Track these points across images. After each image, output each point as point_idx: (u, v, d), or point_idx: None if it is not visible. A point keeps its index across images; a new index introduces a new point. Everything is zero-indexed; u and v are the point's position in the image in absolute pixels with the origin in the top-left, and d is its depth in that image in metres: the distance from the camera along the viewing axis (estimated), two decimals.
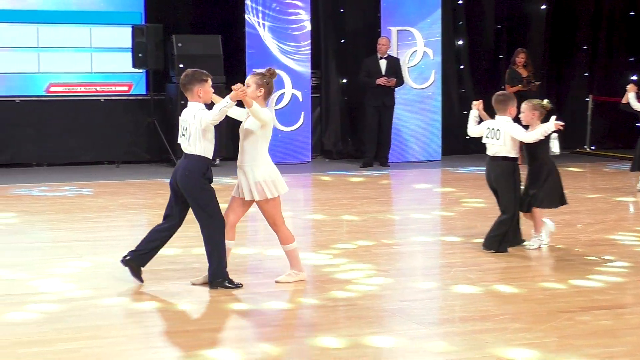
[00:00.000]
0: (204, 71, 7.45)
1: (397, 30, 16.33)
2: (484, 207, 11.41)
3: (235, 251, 8.65)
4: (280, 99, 15.94)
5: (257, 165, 7.40)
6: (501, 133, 8.80)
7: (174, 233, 7.56)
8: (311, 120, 16.35)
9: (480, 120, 9.22)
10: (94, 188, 12.93)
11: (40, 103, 15.22)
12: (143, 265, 7.51)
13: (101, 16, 15.67)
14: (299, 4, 15.92)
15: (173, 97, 15.10)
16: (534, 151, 8.95)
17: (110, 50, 15.62)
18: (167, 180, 13.58)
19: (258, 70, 7.68)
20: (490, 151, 8.93)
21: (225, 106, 7.12)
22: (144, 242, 7.51)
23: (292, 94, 16.00)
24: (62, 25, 15.45)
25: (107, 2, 15.73)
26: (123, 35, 15.52)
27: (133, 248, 7.55)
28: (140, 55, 15.15)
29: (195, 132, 7.26)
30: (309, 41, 16.07)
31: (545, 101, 9.06)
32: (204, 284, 7.48)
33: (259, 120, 7.35)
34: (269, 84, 7.45)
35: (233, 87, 7.12)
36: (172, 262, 8.38)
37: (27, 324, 6.52)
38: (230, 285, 7.39)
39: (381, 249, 9.10)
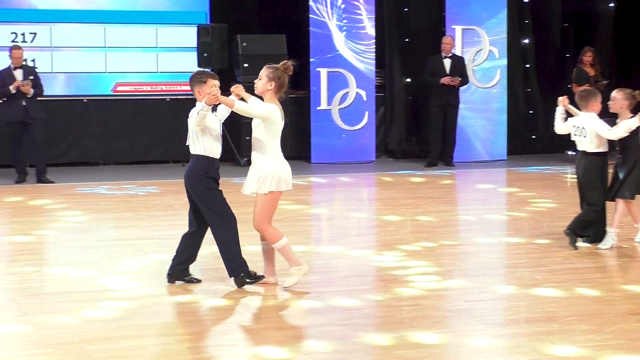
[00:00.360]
0: (207, 72, 7.46)
1: (462, 29, 16.23)
2: (550, 207, 11.28)
3: (299, 249, 8.67)
4: (344, 98, 15.94)
5: (265, 159, 7.27)
6: (587, 130, 8.73)
7: (204, 234, 7.52)
8: (375, 119, 16.31)
9: (568, 117, 9.10)
10: (159, 187, 13.04)
11: (106, 102, 15.40)
12: (187, 276, 7.50)
13: (167, 16, 15.80)
14: (363, 3, 15.90)
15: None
16: (624, 141, 8.85)
17: (176, 50, 15.74)
18: (231, 179, 13.71)
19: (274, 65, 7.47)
20: (579, 147, 8.87)
21: (201, 110, 7.08)
22: (180, 250, 7.51)
23: (357, 93, 15.98)
24: (129, 25, 15.61)
25: (173, 2, 15.86)
26: (188, 35, 15.63)
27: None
28: (205, 54, 15.25)
29: (192, 131, 7.29)
30: (374, 40, 16.04)
31: (637, 92, 8.91)
32: (265, 283, 7.47)
33: (252, 116, 7.29)
34: (280, 78, 7.26)
35: (207, 91, 7.08)
36: None
37: (95, 321, 6.58)
38: (249, 281, 7.37)
39: (445, 249, 9.03)
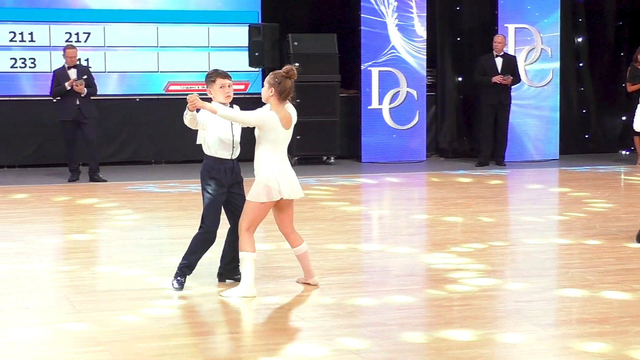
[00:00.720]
0: (218, 71, 7.30)
1: (515, 27, 16.11)
2: (603, 208, 11.16)
3: (350, 247, 8.67)
4: (395, 97, 15.91)
5: (259, 167, 7.13)
6: None
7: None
8: (426, 118, 16.26)
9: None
10: None
11: (159, 102, 15.51)
12: (237, 274, 7.47)
13: (219, 15, 15.87)
14: (415, 2, 15.85)
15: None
16: None
17: (227, 50, 15.80)
18: None
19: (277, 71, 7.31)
20: None
21: (185, 114, 7.08)
22: (225, 248, 7.53)
23: (407, 92, 15.94)
24: (181, 25, 15.71)
25: (225, 2, 15.92)
26: (240, 35, 15.69)
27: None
28: (256, 54, 15.30)
29: (200, 131, 7.31)
30: (424, 39, 15.99)
31: None
32: (305, 283, 7.48)
33: (241, 124, 7.17)
34: (280, 84, 7.06)
35: (187, 97, 7.01)
36: (287, 259, 8.41)
37: (146, 318, 6.63)
38: (175, 286, 7.28)
39: (496, 249, 8.97)
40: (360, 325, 6.51)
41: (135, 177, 13.99)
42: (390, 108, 15.88)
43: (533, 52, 16.20)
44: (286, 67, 7.15)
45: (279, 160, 7.10)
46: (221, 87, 7.16)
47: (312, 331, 6.34)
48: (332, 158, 15.74)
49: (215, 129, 7.19)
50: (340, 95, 15.78)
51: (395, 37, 15.84)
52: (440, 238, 9.53)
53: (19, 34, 15.02)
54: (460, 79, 16.74)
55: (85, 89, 13.45)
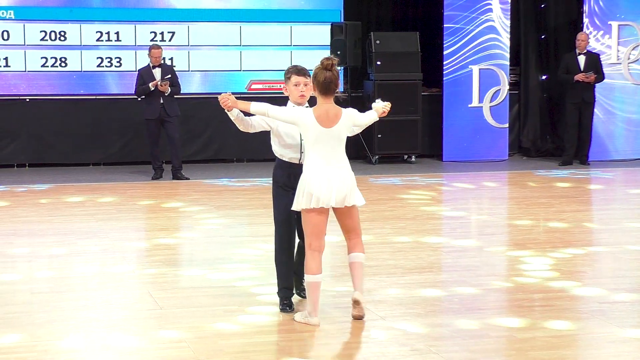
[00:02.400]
0: (296, 67, 6.68)
1: (619, 24, 15.86)
2: None
3: (432, 246, 8.63)
4: (495, 95, 15.82)
5: (304, 170, 6.49)
6: None
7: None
8: (509, 117, 16.10)
9: None
10: None
11: (242, 100, 15.58)
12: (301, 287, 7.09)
13: (301, 14, 15.92)
14: (497, 1, 15.75)
15: (370, 94, 15.17)
16: None
17: (310, 48, 15.84)
18: (368, 178, 13.70)
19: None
20: None
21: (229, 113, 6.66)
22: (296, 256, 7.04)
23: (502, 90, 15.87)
24: (264, 24, 15.79)
25: (308, 1, 15.96)
26: (322, 33, 15.71)
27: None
28: (338, 52, 15.29)
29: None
30: (508, 37, 15.83)
31: None
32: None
33: (277, 119, 6.50)
34: (316, 77, 6.36)
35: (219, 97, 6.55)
36: (372, 258, 8.39)
37: (227, 315, 6.67)
38: (281, 307, 6.76)
39: (579, 249, 8.84)
40: (441, 324, 6.47)
41: (217, 175, 14.10)
42: (491, 106, 15.80)
43: (638, 48, 15.97)
44: (324, 58, 6.36)
45: (322, 162, 6.36)
46: (295, 85, 6.63)
47: (392, 330, 6.32)
48: (413, 157, 15.68)
49: (284, 133, 6.65)
50: (423, 94, 15.71)
51: (474, 35, 15.70)
52: (522, 238, 9.43)
53: (106, 33, 15.26)
54: (544, 77, 16.53)
55: (169, 88, 13.61)
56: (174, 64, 14.96)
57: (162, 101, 13.63)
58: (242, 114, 6.66)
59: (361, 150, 15.38)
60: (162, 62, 13.99)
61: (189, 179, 13.71)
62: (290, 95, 6.71)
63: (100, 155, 15.21)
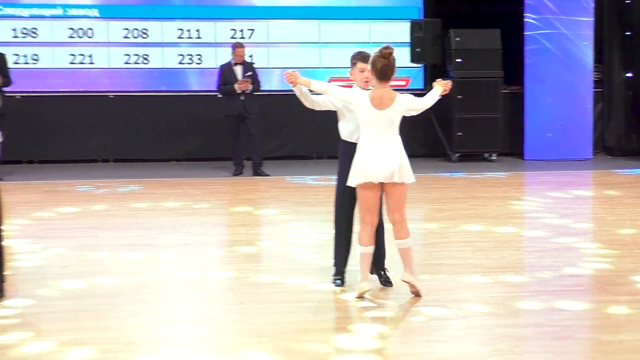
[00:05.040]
0: (361, 54, 7.14)
1: None
2: None
3: (513, 244, 8.53)
4: (562, 93, 15.61)
5: (357, 149, 6.94)
6: None
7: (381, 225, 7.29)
8: (592, 115, 15.85)
9: None
10: None
11: None
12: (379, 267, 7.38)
13: (380, 11, 15.90)
14: None
15: (450, 91, 15.01)
16: None
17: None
18: (442, 175, 13.62)
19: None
20: None
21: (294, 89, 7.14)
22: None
23: (573, 88, 15.62)
24: (343, 21, 15.79)
25: None
26: (401, 30, 15.66)
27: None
28: (418, 50, 15.25)
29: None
30: (592, 34, 15.60)
31: None
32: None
33: (333, 97, 7.04)
34: (374, 63, 6.78)
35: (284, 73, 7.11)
36: (448, 256, 8.34)
37: (307, 311, 6.68)
38: (335, 283, 7.25)
39: None
40: (522, 325, 6.39)
41: (297, 172, 14.14)
42: (555, 104, 15.58)
43: None
44: (382, 47, 6.83)
45: (373, 141, 6.80)
46: (361, 71, 7.07)
47: (474, 330, 6.26)
48: (494, 155, 15.53)
49: (345, 111, 7.10)
50: (503, 91, 15.55)
51: (556, 32, 15.48)
52: (606, 238, 9.26)
53: (187, 31, 15.42)
54: (629, 74, 16.23)
55: (250, 86, 13.70)
56: (253, 61, 15.04)
57: (242, 98, 13.72)
58: (307, 91, 7.14)
59: (441, 148, 15.29)
60: (244, 59, 14.07)
61: (269, 175, 13.77)
62: (355, 79, 7.15)
63: (182, 151, 15.37)
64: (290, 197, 11.91)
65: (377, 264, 7.27)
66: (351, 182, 6.88)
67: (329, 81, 15.62)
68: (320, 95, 7.17)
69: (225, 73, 13.85)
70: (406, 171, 6.88)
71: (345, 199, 7.15)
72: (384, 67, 6.75)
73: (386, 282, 7.28)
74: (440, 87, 7.20)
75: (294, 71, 7.08)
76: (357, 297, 6.88)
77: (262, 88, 14.14)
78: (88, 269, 7.80)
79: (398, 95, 6.86)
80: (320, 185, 12.86)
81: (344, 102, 6.99)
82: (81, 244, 8.91)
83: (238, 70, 13.81)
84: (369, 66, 6.89)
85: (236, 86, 13.65)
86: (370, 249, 6.92)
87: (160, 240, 9.19)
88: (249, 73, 13.81)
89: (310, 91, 7.14)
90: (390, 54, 6.78)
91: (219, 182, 13.27)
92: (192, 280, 7.59)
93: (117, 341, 5.98)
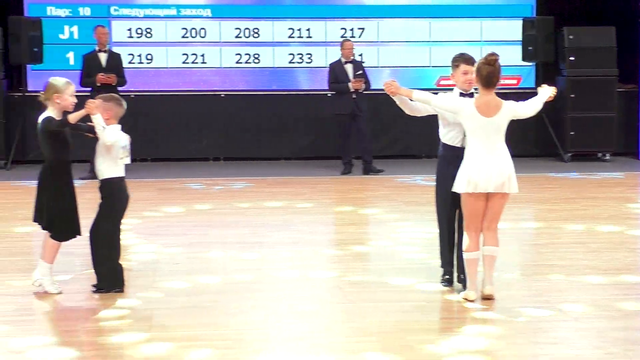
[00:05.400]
0: (464, 56, 7.04)
1: None
2: None
3: (628, 246, 8.35)
4: None
5: (465, 156, 6.84)
6: None
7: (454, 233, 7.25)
8: None
9: None
10: None
11: None
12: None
13: (492, 9, 15.73)
14: None
15: (563, 90, 14.81)
16: None
17: (500, 44, 15.59)
18: (554, 175, 13.39)
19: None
20: None
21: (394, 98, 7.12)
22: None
23: None
24: (453, 20, 15.67)
25: None
26: (513, 28, 15.46)
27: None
28: (530, 48, 15.04)
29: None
30: None
31: None
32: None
33: (434, 107, 6.98)
34: (479, 70, 6.71)
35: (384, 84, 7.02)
36: (558, 257, 8.20)
37: (415, 311, 6.65)
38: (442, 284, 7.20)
39: None
40: (636, 328, 6.26)
41: (406, 171, 14.08)
42: None
43: None
44: (487, 54, 6.71)
45: (482, 150, 6.71)
46: (464, 73, 6.99)
47: (585, 332, 6.14)
48: (607, 155, 15.21)
49: (446, 115, 7.01)
50: (618, 90, 15.22)
51: None
52: None
53: (297, 30, 15.51)
54: None
55: (363, 85, 13.71)
56: (363, 60, 15.03)
57: (354, 96, 13.74)
58: (407, 99, 7.06)
59: (553, 148, 15.04)
60: (353, 57, 14.09)
61: (382, 170, 13.73)
62: (457, 81, 7.08)
63: (291, 150, 15.46)
64: (399, 196, 11.87)
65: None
66: (458, 188, 6.79)
67: (440, 80, 15.61)
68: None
69: (336, 71, 13.88)
70: (514, 181, 6.80)
71: (447, 203, 7.08)
72: (489, 74, 6.67)
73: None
74: (545, 94, 7.05)
75: (393, 80, 7.04)
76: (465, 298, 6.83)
77: (372, 87, 14.12)
78: (198, 267, 7.92)
79: (504, 102, 6.77)
80: (429, 186, 12.77)
81: (449, 112, 6.91)
82: (191, 241, 9.04)
83: (349, 68, 13.83)
84: (473, 72, 6.82)
85: (350, 85, 13.68)
86: (477, 254, 6.83)
87: (269, 238, 9.26)
88: (359, 72, 13.82)
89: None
90: (496, 60, 6.68)
91: (328, 181, 13.30)
92: (300, 278, 7.63)
93: (226, 338, 6.05)
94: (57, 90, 6.95)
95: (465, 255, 6.86)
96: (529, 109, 6.94)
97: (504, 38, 15.67)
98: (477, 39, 15.68)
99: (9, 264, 8.17)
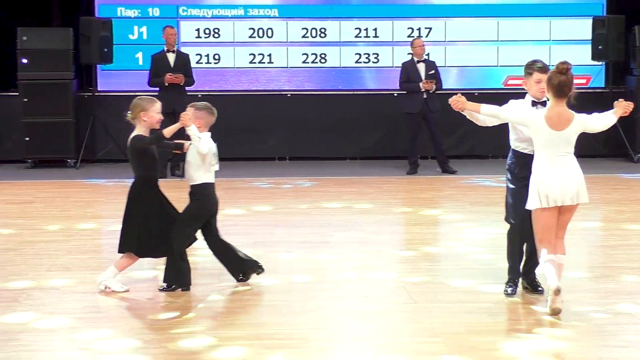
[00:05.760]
0: (537, 64, 6.86)
1: None
2: None
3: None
4: None
5: (533, 169, 6.65)
6: None
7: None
8: None
9: None
10: None
11: (497, 95, 15.28)
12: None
13: (561, 8, 15.54)
14: None
15: (633, 89, 14.58)
16: None
17: (569, 43, 15.43)
18: (624, 175, 13.20)
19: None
20: None
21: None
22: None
23: None
24: (522, 19, 15.52)
25: None
26: (583, 27, 15.27)
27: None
28: (599, 47, 14.83)
29: None
30: None
31: None
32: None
33: (504, 121, 6.96)
34: (551, 80, 6.52)
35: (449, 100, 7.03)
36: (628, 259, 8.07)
37: (480, 313, 6.61)
38: (507, 292, 7.01)
39: None
40: None
41: (472, 171, 13.95)
42: None
43: None
44: (559, 62, 6.51)
45: (552, 163, 6.52)
46: (537, 82, 6.79)
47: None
48: None
49: (517, 125, 6.89)
50: None
51: None
52: None
53: (364, 29, 15.49)
54: None
55: (434, 86, 13.63)
56: (434, 60, 14.90)
57: (425, 96, 13.67)
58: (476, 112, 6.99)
59: (622, 148, 14.81)
60: (426, 57, 14.01)
61: (456, 171, 13.66)
62: (529, 89, 6.92)
63: (357, 150, 15.43)
64: (465, 196, 11.79)
65: (529, 273, 7.10)
66: (532, 205, 6.60)
67: (507, 79, 15.47)
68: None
69: (408, 70, 13.82)
70: (585, 192, 6.64)
71: (517, 214, 6.90)
72: (561, 84, 6.48)
73: (536, 288, 7.07)
74: (620, 109, 6.93)
75: (459, 96, 6.97)
76: (553, 294, 6.48)
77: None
78: (264, 266, 7.93)
79: (576, 115, 6.58)
80: (495, 187, 12.66)
81: (518, 124, 6.81)
82: (257, 240, 9.07)
83: (421, 67, 13.77)
84: (544, 82, 6.65)
85: (421, 85, 13.62)
86: (554, 256, 6.56)
87: (334, 237, 9.25)
88: (432, 72, 13.75)
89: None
90: (568, 69, 6.49)
91: (393, 181, 13.24)
92: (364, 279, 7.60)
93: (290, 337, 6.06)
94: (143, 108, 7.14)
95: (543, 260, 6.58)
96: (600, 124, 6.83)
97: (573, 37, 15.47)
98: (546, 39, 15.51)
99: (79, 261, 8.28)
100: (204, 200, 7.25)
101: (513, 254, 7.07)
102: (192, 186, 7.26)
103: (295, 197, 11.84)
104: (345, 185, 12.74)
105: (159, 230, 7.16)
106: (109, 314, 6.80)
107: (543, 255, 6.59)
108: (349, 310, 6.69)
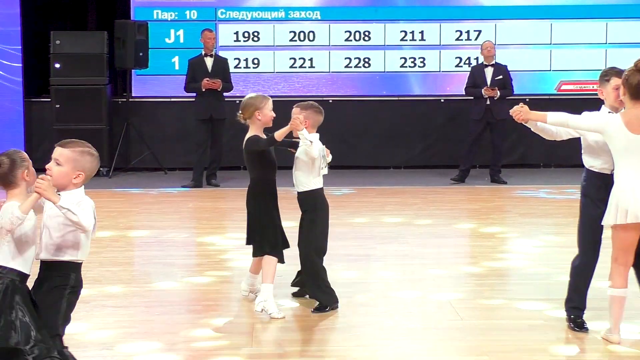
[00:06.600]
0: (615, 70, 6.16)
1: None
2: None
3: None
4: None
5: (615, 182, 5.94)
6: None
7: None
8: None
9: None
10: None
11: (550, 102, 14.71)
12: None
13: (618, 10, 14.91)
14: None
15: None
16: None
17: (627, 46, 14.77)
18: None
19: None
20: None
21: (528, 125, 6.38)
22: None
23: None
24: (576, 21, 14.90)
25: None
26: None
27: None
28: None
29: None
30: None
31: None
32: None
33: (575, 129, 6.17)
34: (629, 79, 5.84)
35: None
36: None
37: (527, 330, 6.32)
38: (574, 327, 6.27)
39: None
40: None
41: (521, 181, 13.40)
42: None
43: None
44: (637, 60, 5.82)
45: (632, 172, 5.83)
46: (616, 88, 6.05)
47: None
48: None
49: (588, 139, 6.16)
50: None
51: None
52: None
53: (410, 32, 14.93)
54: None
55: (498, 92, 13.04)
56: (505, 64, 14.23)
57: (488, 103, 13.08)
58: (542, 123, 6.25)
59: None
60: (495, 62, 13.40)
61: (506, 182, 13.13)
62: (607, 98, 6.21)
63: (402, 158, 14.87)
64: (515, 207, 11.31)
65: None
66: (608, 221, 5.93)
67: (561, 85, 14.82)
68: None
69: (475, 75, 13.29)
70: None
71: (583, 243, 6.24)
72: (635, 83, 5.80)
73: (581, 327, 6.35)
74: None
75: (522, 106, 6.19)
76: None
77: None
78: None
79: None
80: (544, 198, 12.07)
81: (592, 132, 6.04)
82: (296, 253, 8.56)
83: (488, 72, 13.21)
84: (621, 83, 5.94)
85: (483, 91, 13.03)
86: (625, 292, 5.98)
87: (378, 251, 8.91)
88: (499, 77, 13.13)
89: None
90: None
91: (439, 191, 12.71)
92: (409, 294, 7.30)
93: (332, 355, 5.91)
94: (257, 107, 6.84)
95: (610, 292, 6.01)
96: None
97: (630, 40, 14.83)
98: (602, 42, 14.87)
99: (111, 274, 7.96)
100: (316, 209, 6.98)
101: (574, 286, 6.33)
102: (302, 193, 6.96)
103: (336, 207, 11.14)
104: (389, 195, 12.25)
105: (280, 228, 6.92)
106: (141, 329, 6.47)
107: (610, 289, 6.00)
108: (393, 327, 6.45)
